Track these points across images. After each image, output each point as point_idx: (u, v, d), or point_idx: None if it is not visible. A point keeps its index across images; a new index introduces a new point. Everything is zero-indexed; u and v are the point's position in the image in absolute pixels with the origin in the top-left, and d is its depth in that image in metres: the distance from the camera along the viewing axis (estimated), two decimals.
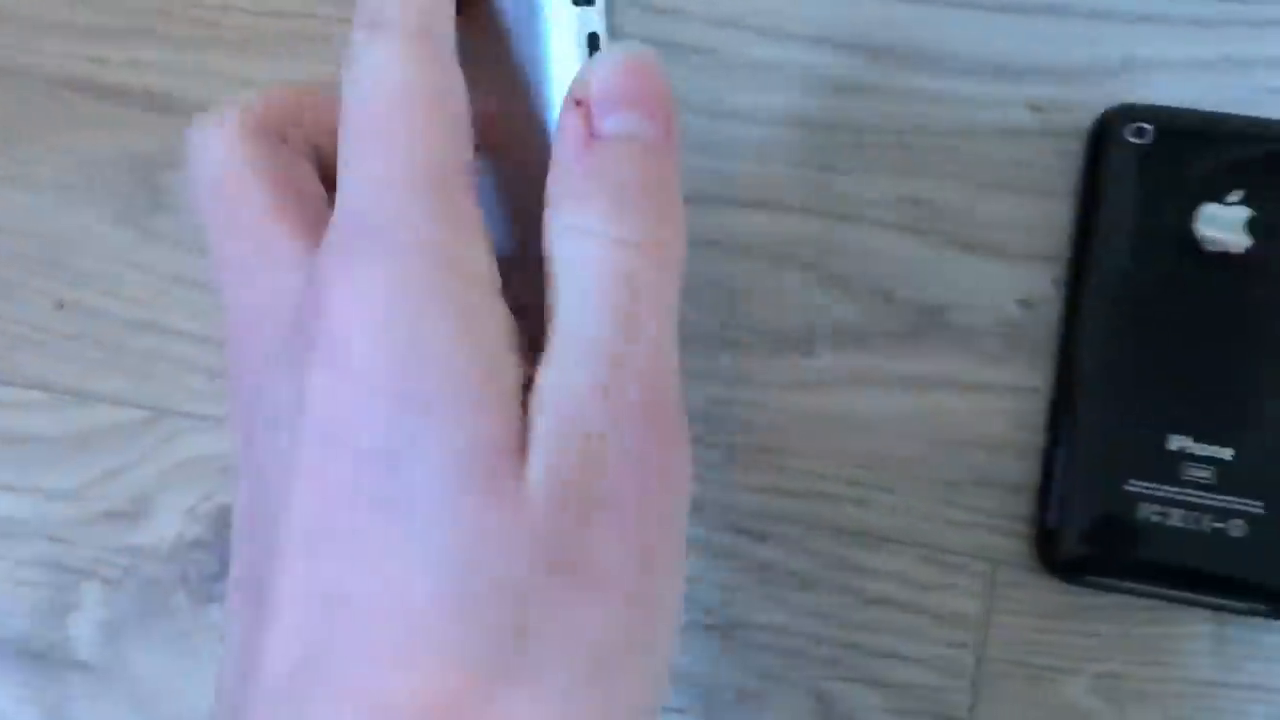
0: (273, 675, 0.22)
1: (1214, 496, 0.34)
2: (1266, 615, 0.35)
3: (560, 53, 0.25)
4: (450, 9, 0.25)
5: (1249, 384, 0.35)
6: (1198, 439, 0.35)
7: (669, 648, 0.24)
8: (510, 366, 0.23)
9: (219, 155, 0.25)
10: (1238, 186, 0.36)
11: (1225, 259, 0.36)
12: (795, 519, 0.38)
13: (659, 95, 0.24)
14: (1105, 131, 0.38)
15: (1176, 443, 0.35)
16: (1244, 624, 0.36)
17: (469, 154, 0.24)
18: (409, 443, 0.22)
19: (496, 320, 0.23)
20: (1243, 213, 0.36)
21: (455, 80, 0.24)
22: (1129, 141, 0.37)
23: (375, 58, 0.24)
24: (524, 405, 0.23)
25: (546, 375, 0.23)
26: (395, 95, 0.24)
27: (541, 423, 0.23)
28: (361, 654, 0.22)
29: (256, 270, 0.25)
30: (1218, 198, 0.36)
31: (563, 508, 0.22)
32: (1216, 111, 0.38)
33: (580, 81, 0.24)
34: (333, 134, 0.24)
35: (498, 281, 0.24)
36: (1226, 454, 0.35)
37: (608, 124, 0.24)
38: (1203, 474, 0.34)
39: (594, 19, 0.25)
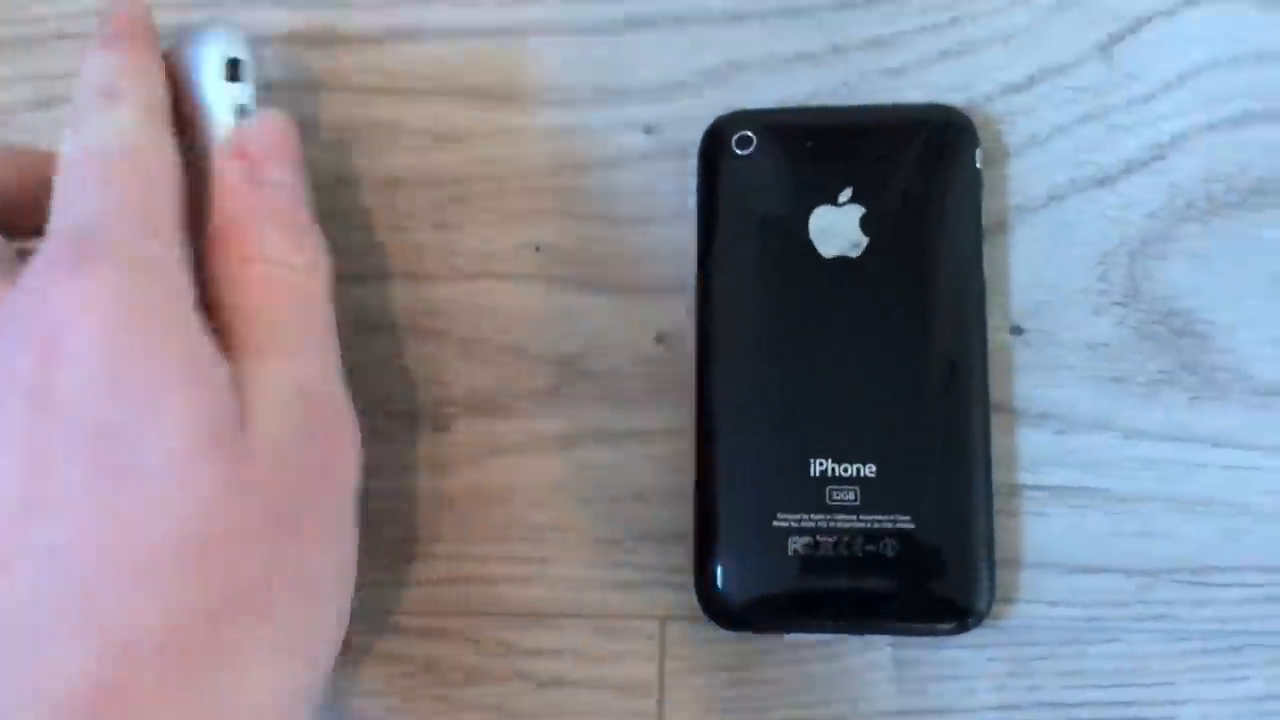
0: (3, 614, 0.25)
1: (863, 518, 0.32)
2: (940, 633, 0.32)
3: (218, 118, 0.32)
4: (165, 87, 0.31)
5: (882, 394, 0.33)
6: (838, 460, 0.33)
7: (350, 590, 0.30)
8: (215, 354, 0.28)
9: None
10: (848, 184, 0.34)
11: (845, 263, 0.34)
12: (455, 609, 0.35)
13: (299, 153, 0.31)
14: (712, 145, 0.35)
15: (818, 467, 0.33)
16: (921, 645, 0.34)
17: (178, 199, 0.30)
18: (138, 418, 0.26)
19: (197, 322, 0.28)
20: (855, 211, 0.34)
21: (169, 142, 0.30)
22: (735, 153, 0.35)
23: (107, 120, 0.30)
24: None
25: (262, 362, 0.28)
26: (123, 148, 0.29)
27: (254, 404, 0.28)
28: (94, 595, 0.25)
29: None
30: (830, 199, 0.34)
31: (281, 470, 0.27)
32: (817, 106, 0.35)
33: (241, 137, 0.31)
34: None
35: (195, 293, 0.29)
36: (869, 471, 0.32)
37: (269, 173, 0.30)
38: (848, 496, 0.32)
39: (243, 94, 0.32)
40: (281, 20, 0.38)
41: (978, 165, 0.34)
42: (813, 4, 0.37)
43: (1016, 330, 0.35)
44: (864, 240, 0.34)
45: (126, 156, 0.29)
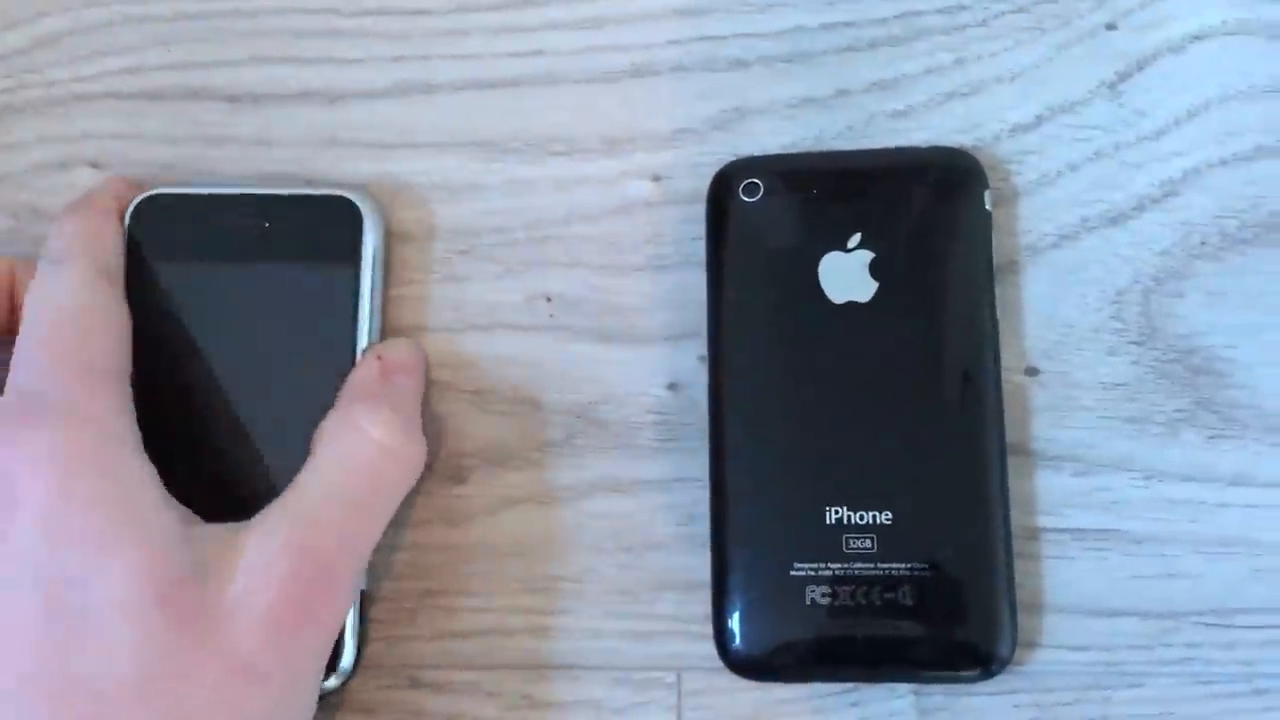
0: None
1: (879, 566, 0.32)
2: (963, 680, 0.32)
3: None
4: (120, 254, 0.35)
5: (897, 440, 0.33)
6: (854, 507, 0.32)
7: None
8: (168, 510, 0.30)
9: None
10: (856, 229, 0.34)
11: (856, 309, 0.34)
12: (473, 662, 0.35)
13: (422, 376, 0.35)
14: (719, 193, 0.35)
15: (834, 515, 0.33)
16: (944, 692, 0.33)
17: (127, 357, 0.33)
18: (88, 568, 0.29)
19: (148, 476, 0.31)
20: (864, 257, 0.34)
21: (118, 304, 0.33)
22: (743, 200, 0.35)
23: (56, 283, 0.33)
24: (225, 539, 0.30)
25: (265, 520, 0.31)
26: (72, 310, 0.32)
27: (245, 559, 0.30)
28: None
29: None
30: (839, 245, 0.34)
31: (245, 625, 0.29)
32: (823, 151, 0.35)
33: (382, 346, 0.35)
34: None
35: (141, 446, 0.31)
36: (885, 519, 0.32)
37: (396, 378, 0.34)
38: (865, 544, 0.32)
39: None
40: (291, 77, 0.38)
41: (987, 207, 0.34)
42: (817, 49, 0.37)
43: (1032, 371, 0.34)
44: (874, 285, 0.33)
45: (70, 317, 0.32)
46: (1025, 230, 0.35)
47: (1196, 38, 0.35)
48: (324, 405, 0.34)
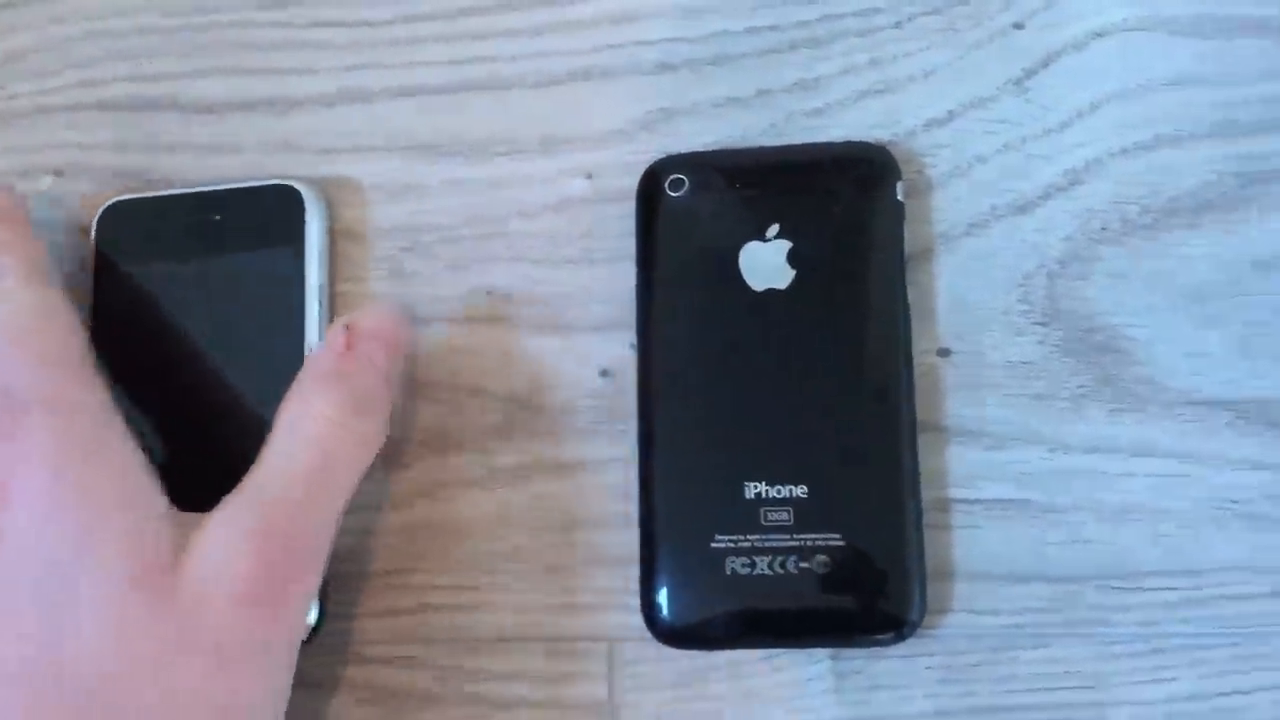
0: None
1: (795, 537, 0.34)
2: (876, 643, 0.34)
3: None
4: (42, 249, 0.36)
5: (813, 418, 0.35)
6: (771, 482, 0.34)
7: (283, 712, 0.32)
8: (154, 496, 0.32)
9: None
10: (775, 219, 0.36)
11: (774, 296, 0.35)
12: (416, 638, 0.37)
13: (399, 346, 0.36)
14: (647, 189, 0.37)
15: (753, 490, 0.34)
16: (859, 655, 0.35)
17: (83, 345, 0.34)
18: (76, 556, 0.30)
19: (137, 462, 0.32)
20: (782, 246, 0.36)
21: (64, 298, 0.34)
22: (669, 195, 0.37)
23: (14, 288, 0.33)
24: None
25: (228, 504, 0.32)
26: (28, 308, 0.33)
27: (211, 544, 0.31)
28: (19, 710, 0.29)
29: None
30: (759, 235, 0.36)
31: (212, 609, 0.30)
32: (746, 147, 0.37)
33: (355, 314, 0.35)
34: None
35: (128, 432, 0.32)
36: (801, 492, 0.34)
37: (365, 348, 0.34)
38: (781, 516, 0.34)
39: None
40: (238, 87, 0.40)
41: (899, 197, 0.36)
42: (739, 52, 0.39)
43: (944, 352, 0.36)
44: (792, 273, 0.35)
45: (28, 315, 0.33)
46: (939, 219, 0.37)
47: (1098, 35, 0.37)
48: (279, 387, 0.36)
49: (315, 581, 0.33)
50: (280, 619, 0.32)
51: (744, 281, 0.35)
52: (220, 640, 0.30)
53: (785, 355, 0.35)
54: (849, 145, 0.37)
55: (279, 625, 0.32)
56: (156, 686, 0.30)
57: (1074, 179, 0.37)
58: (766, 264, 0.35)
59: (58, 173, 0.41)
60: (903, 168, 0.37)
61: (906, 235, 0.36)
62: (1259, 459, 0.34)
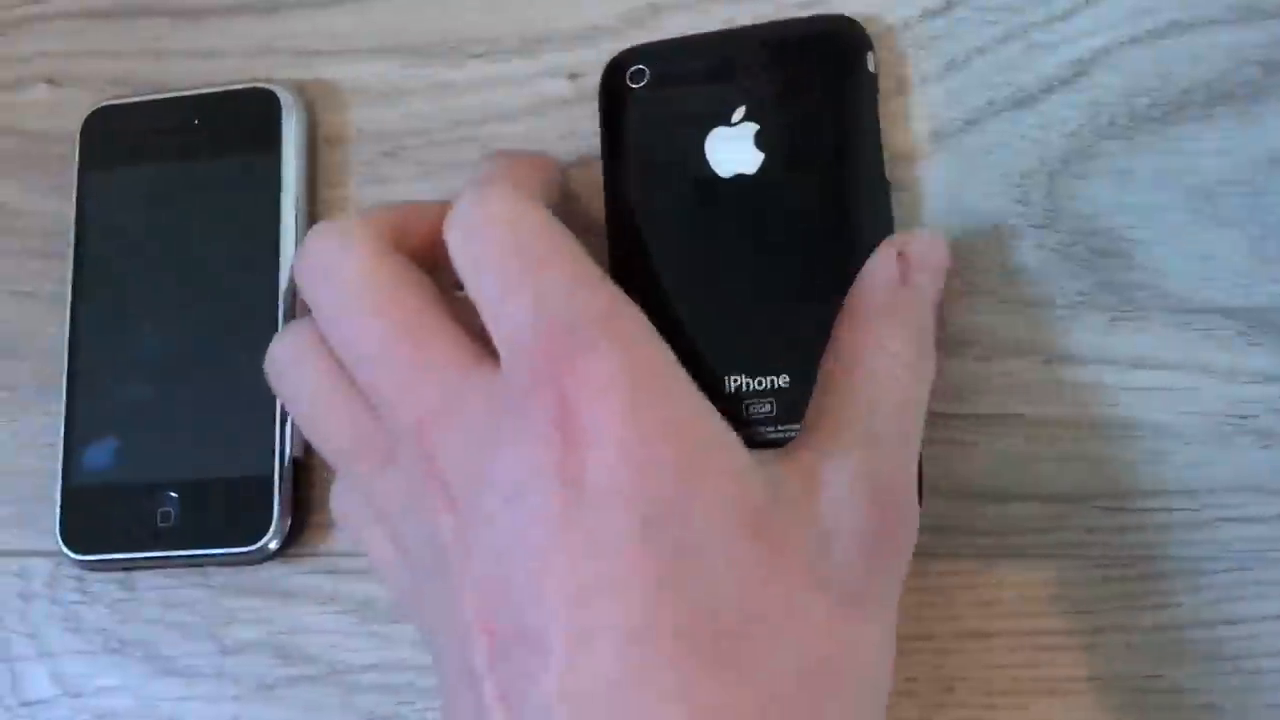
0: (568, 709, 0.25)
1: (780, 428, 0.32)
2: None
3: None
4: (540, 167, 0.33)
5: (792, 306, 0.33)
6: (752, 374, 0.33)
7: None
8: (729, 433, 0.28)
9: (362, 262, 0.30)
10: (740, 103, 0.34)
11: (742, 181, 0.34)
12: None
13: (944, 265, 0.32)
14: (610, 82, 0.36)
15: (733, 383, 0.33)
16: None
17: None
18: (681, 498, 0.26)
19: (701, 395, 0.28)
20: (749, 129, 0.34)
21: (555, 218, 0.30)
22: (630, 87, 0.35)
23: (497, 203, 0.29)
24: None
25: (826, 447, 0.29)
26: (541, 224, 0.29)
27: (826, 489, 0.28)
28: (679, 667, 0.25)
29: (425, 369, 0.29)
30: (725, 120, 0.34)
31: (846, 557, 0.28)
32: (709, 32, 0.36)
33: (906, 238, 0.32)
34: (428, 244, 0.30)
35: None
36: (783, 382, 0.32)
37: (917, 279, 0.31)
38: (764, 409, 0.32)
39: None
40: None
41: (870, 69, 0.34)
42: None
43: None
44: (760, 156, 0.33)
45: (545, 233, 0.29)
46: (932, 116, 0.35)
47: None
48: (253, 293, 0.36)
49: (915, 536, 0.30)
50: (895, 568, 0.29)
51: (711, 169, 0.34)
52: (850, 590, 0.28)
53: (758, 242, 0.33)
54: (814, 20, 0.35)
55: (895, 575, 0.29)
56: (786, 641, 0.27)
57: (1079, 70, 0.34)
58: (733, 149, 0.34)
59: (50, 81, 0.41)
60: (896, 60, 0.34)
61: (897, 133, 0.34)
62: (1271, 371, 0.32)
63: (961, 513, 0.33)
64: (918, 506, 0.30)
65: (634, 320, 0.28)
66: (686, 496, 0.26)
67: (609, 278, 0.29)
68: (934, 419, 0.33)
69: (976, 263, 0.34)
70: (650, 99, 0.35)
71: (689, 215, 0.34)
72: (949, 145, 0.34)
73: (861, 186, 0.33)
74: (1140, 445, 0.32)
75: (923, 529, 0.31)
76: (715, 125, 0.34)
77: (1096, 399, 0.33)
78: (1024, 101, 0.34)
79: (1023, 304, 0.33)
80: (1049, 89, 0.34)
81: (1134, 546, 0.32)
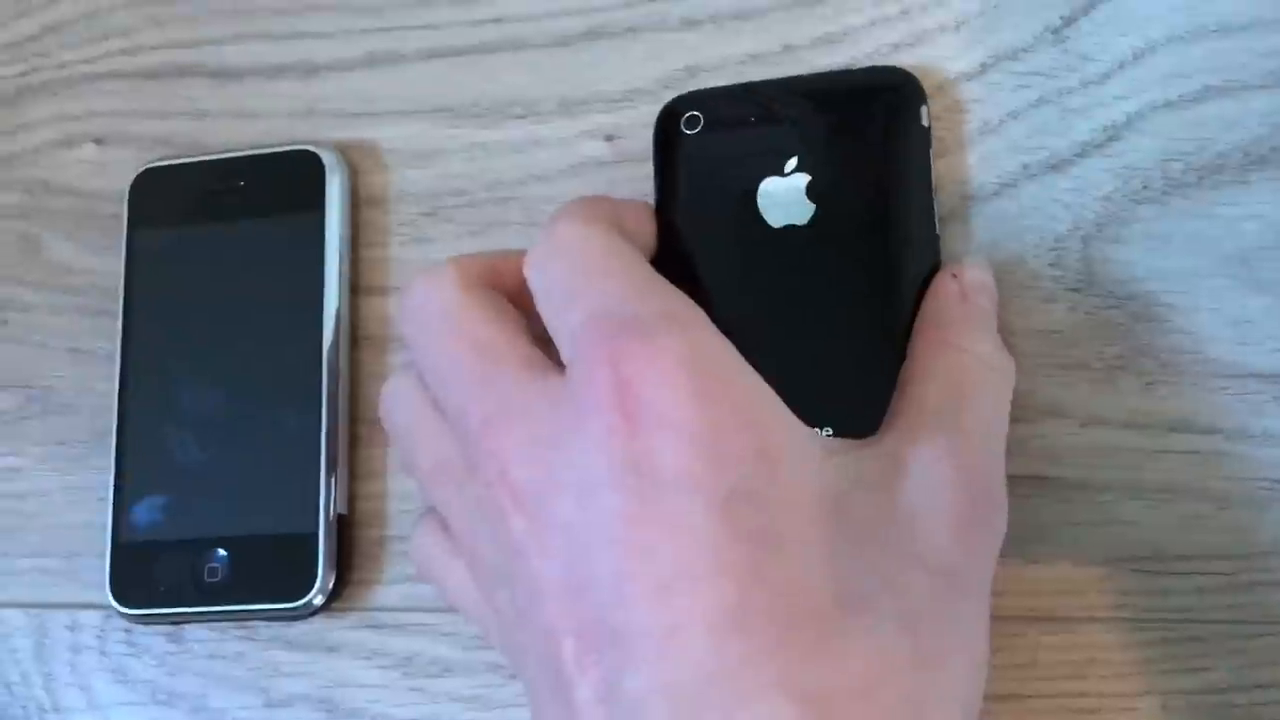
0: (665, 704, 0.25)
1: None
2: None
3: None
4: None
5: (840, 356, 0.33)
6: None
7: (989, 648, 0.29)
8: (793, 417, 0.28)
9: (448, 296, 0.31)
10: (793, 153, 0.34)
11: (793, 232, 0.34)
12: (434, 605, 0.37)
13: (994, 289, 0.33)
14: (664, 128, 0.36)
15: None
16: None
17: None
18: (754, 483, 0.26)
19: (762, 380, 0.28)
20: (801, 180, 0.34)
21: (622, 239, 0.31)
22: (685, 134, 0.36)
23: (565, 229, 0.31)
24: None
25: (920, 436, 0.29)
26: (603, 244, 0.30)
27: (912, 472, 0.28)
28: (777, 654, 0.25)
29: (495, 378, 0.29)
30: (778, 170, 0.34)
31: (939, 535, 0.28)
32: (764, 80, 0.36)
33: (955, 267, 0.33)
34: (518, 285, 0.31)
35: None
36: (827, 434, 0.32)
37: (975, 298, 0.32)
38: None
39: None
40: (264, 53, 0.40)
41: (924, 123, 0.34)
42: (765, 5, 0.37)
43: None
44: (811, 208, 0.34)
45: (608, 251, 0.30)
46: (968, 179, 0.35)
47: None
48: (296, 352, 0.36)
49: (1005, 521, 0.30)
50: (990, 549, 0.30)
51: (763, 218, 0.34)
52: (947, 565, 0.28)
53: (807, 294, 0.33)
54: (870, 70, 0.35)
55: (989, 555, 0.30)
56: (891, 615, 0.26)
57: (1113, 134, 0.34)
58: (785, 199, 0.34)
59: (98, 140, 0.42)
60: (932, 125, 0.35)
61: (937, 195, 0.34)
62: None
63: (997, 573, 0.33)
64: (1005, 497, 0.30)
65: (695, 315, 0.28)
66: (762, 482, 0.26)
67: (672, 286, 0.29)
68: None
69: (1012, 325, 0.34)
70: (704, 145, 0.35)
71: (739, 264, 0.34)
72: (984, 209, 0.35)
73: (912, 241, 0.33)
74: (1177, 509, 0.33)
75: None
76: (767, 174, 0.34)
77: (1133, 462, 0.33)
78: (1058, 165, 0.34)
79: (1058, 367, 0.34)
80: (1083, 153, 0.34)
81: (1171, 610, 0.32)
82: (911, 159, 0.34)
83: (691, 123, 0.35)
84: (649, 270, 0.30)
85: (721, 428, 0.26)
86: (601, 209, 0.32)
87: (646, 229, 0.34)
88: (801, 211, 0.34)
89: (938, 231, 0.34)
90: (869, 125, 0.34)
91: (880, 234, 0.34)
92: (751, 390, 0.28)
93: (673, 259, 0.34)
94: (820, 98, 0.35)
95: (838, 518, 0.27)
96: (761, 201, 0.34)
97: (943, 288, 0.32)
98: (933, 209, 0.34)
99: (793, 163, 0.34)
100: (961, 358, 0.31)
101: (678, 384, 0.26)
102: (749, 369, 0.28)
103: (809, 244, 0.34)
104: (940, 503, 0.28)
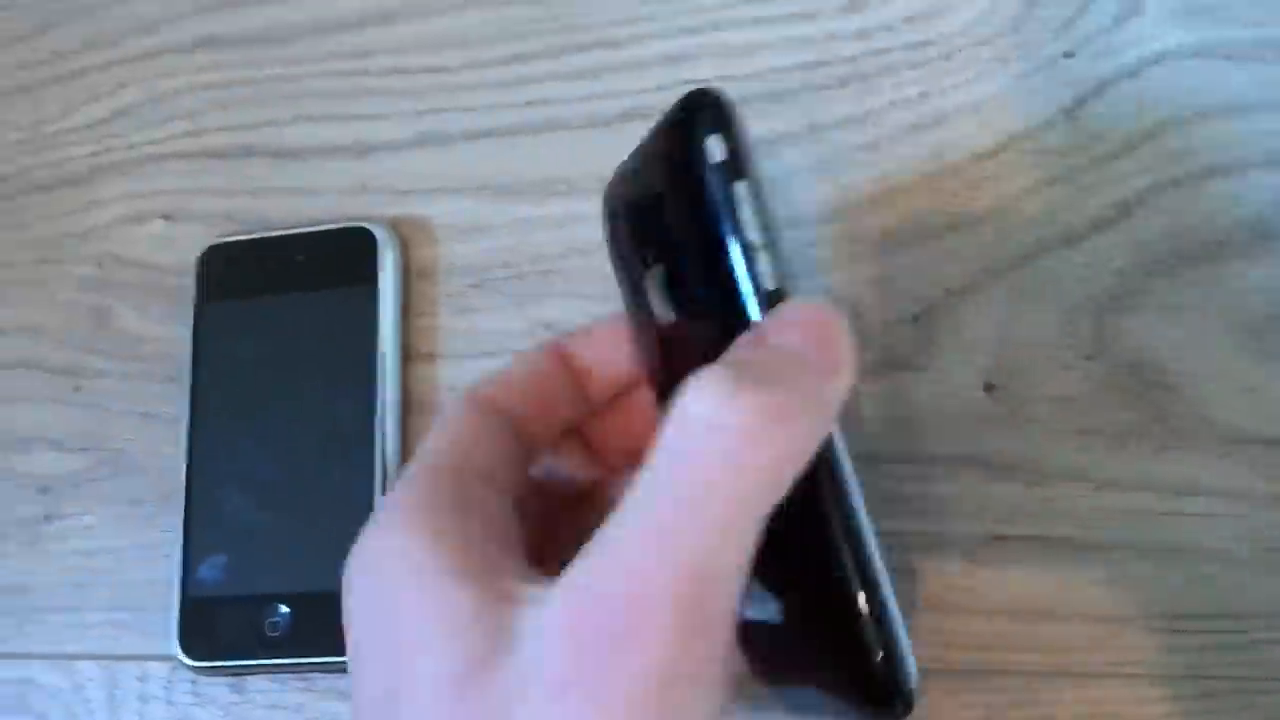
0: None
1: None
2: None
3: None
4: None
5: None
6: None
7: None
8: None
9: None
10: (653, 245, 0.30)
11: (675, 328, 0.30)
12: None
13: (827, 329, 0.26)
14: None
15: None
16: None
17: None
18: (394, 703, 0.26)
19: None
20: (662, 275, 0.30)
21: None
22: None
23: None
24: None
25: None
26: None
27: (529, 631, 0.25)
28: None
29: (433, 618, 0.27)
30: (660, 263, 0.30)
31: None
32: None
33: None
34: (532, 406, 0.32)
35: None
36: None
37: (774, 339, 0.26)
38: None
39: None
40: (320, 133, 0.43)
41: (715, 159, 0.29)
42: (793, 87, 0.39)
43: (989, 387, 0.36)
44: (673, 306, 0.30)
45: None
46: (985, 254, 0.37)
47: (1153, 61, 0.37)
48: (353, 422, 0.39)
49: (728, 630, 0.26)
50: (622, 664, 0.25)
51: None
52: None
53: None
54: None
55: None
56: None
57: (1124, 210, 0.36)
58: (656, 296, 0.30)
59: (166, 217, 0.44)
60: (945, 200, 0.36)
61: (952, 266, 0.36)
62: None
63: (1013, 631, 0.35)
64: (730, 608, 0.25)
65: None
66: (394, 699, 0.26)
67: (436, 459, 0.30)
68: (987, 541, 0.35)
69: (1027, 392, 0.36)
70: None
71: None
72: (1000, 282, 0.37)
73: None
74: (1186, 569, 0.34)
75: (974, 647, 0.33)
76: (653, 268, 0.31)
77: (1144, 524, 0.34)
78: (1071, 240, 0.36)
79: (1073, 432, 0.35)
80: (1095, 228, 0.36)
81: (1181, 667, 0.34)
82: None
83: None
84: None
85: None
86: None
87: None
88: (666, 310, 0.30)
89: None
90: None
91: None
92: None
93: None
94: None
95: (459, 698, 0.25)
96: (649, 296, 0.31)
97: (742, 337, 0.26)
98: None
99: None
100: (679, 425, 0.24)
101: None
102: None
103: (679, 342, 0.30)
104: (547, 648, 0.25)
